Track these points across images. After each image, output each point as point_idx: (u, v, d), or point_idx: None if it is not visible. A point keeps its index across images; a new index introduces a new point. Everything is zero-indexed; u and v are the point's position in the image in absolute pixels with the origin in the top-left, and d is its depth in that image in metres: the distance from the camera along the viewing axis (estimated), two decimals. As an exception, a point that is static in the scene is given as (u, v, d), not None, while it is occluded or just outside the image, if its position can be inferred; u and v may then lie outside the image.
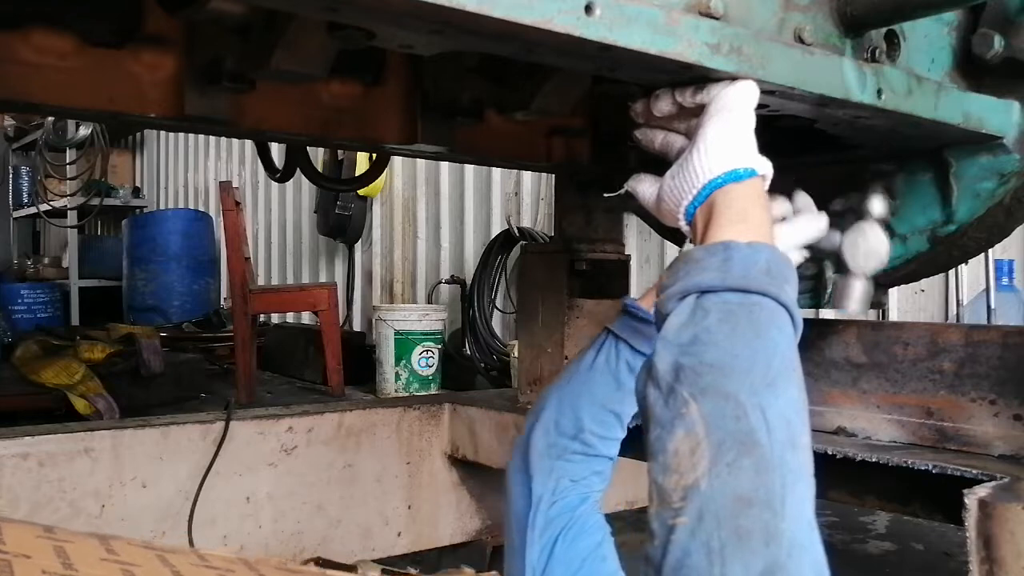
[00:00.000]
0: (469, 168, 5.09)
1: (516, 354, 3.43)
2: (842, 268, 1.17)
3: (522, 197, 4.79)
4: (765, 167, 0.88)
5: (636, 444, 2.13)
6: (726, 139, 0.87)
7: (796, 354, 0.74)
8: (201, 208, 8.26)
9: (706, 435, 0.66)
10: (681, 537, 0.64)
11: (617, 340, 1.06)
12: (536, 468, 1.03)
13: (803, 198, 1.16)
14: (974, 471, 1.43)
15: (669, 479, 0.67)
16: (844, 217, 1.20)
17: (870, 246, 1.18)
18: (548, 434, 1.05)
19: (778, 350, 0.71)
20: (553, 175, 2.44)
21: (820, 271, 1.78)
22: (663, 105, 0.99)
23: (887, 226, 1.24)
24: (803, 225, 1.13)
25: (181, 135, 8.39)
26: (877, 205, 1.16)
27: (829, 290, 1.75)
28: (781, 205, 1.13)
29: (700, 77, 1.02)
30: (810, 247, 1.16)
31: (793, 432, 0.68)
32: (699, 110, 0.96)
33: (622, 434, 1.06)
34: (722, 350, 0.70)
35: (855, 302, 1.15)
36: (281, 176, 2.11)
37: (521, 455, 1.06)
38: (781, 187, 1.87)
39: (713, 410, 0.67)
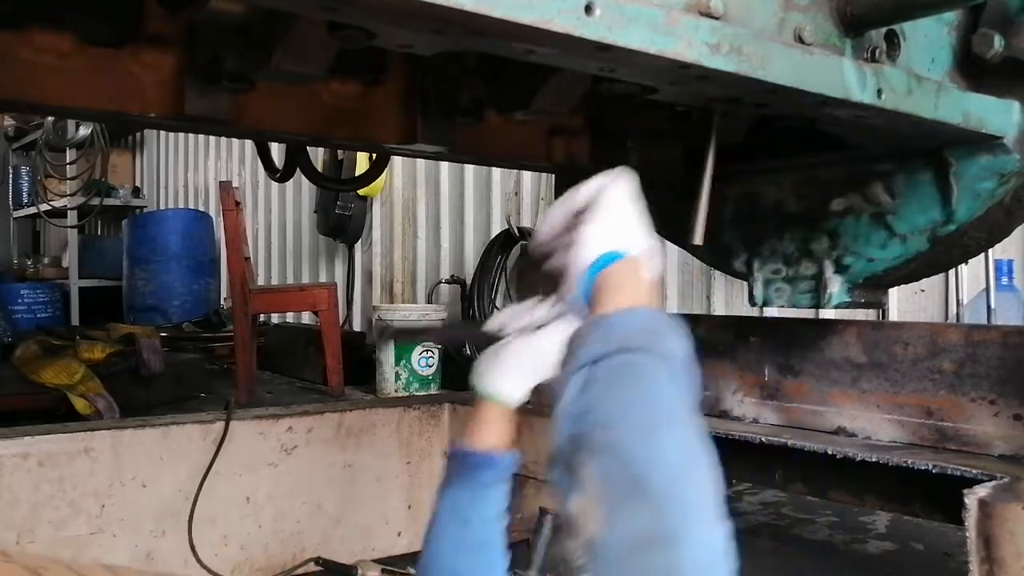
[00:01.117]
0: (469, 168, 5.09)
1: (516, 354, 3.43)
2: None
3: (522, 197, 4.79)
4: (637, 247, 0.92)
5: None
6: (598, 233, 0.92)
7: (684, 398, 0.75)
8: (201, 208, 8.26)
9: (599, 490, 0.68)
10: None
11: (449, 484, 1.05)
12: None
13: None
14: (974, 471, 1.43)
15: (574, 542, 0.68)
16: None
17: None
18: None
19: (662, 396, 0.74)
20: (553, 175, 2.44)
21: (820, 271, 1.78)
22: (556, 216, 1.00)
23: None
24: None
25: (181, 135, 8.38)
26: None
27: (829, 290, 1.76)
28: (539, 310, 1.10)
29: (700, 76, 1.02)
30: None
31: (686, 471, 0.69)
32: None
33: (495, 554, 1.04)
34: (607, 408, 0.73)
35: None
36: (281, 176, 2.11)
37: None
38: (780, 187, 1.87)
39: (602, 465, 0.69)
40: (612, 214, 0.94)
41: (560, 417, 0.76)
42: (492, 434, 1.08)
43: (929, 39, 1.44)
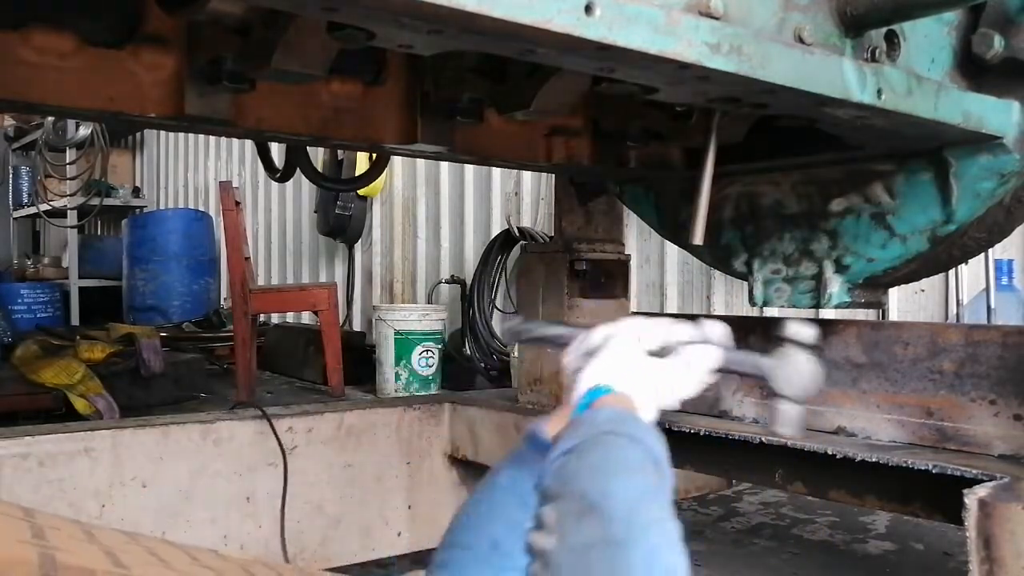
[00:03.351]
0: (469, 168, 5.09)
1: (516, 354, 3.43)
2: (776, 393, 1.14)
3: (522, 197, 4.79)
4: (627, 385, 1.00)
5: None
6: (592, 372, 1.02)
7: (650, 467, 0.81)
8: (201, 208, 8.26)
9: (555, 521, 0.74)
10: None
11: (521, 465, 1.10)
12: None
13: (710, 328, 1.14)
14: (974, 471, 1.43)
15: (533, 568, 0.73)
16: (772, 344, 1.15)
17: (797, 371, 1.14)
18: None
19: (624, 457, 0.81)
20: (553, 175, 2.44)
21: (820, 271, 1.78)
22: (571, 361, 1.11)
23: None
24: (690, 358, 1.10)
25: (181, 135, 8.38)
26: (803, 331, 1.14)
27: (829, 290, 1.76)
28: (677, 332, 1.11)
29: (700, 77, 1.02)
30: (747, 373, 1.18)
31: (641, 504, 0.74)
32: None
33: None
34: (573, 470, 0.80)
35: (787, 426, 1.14)
36: (281, 176, 2.11)
37: None
38: (779, 187, 1.87)
39: (561, 504, 0.76)
40: (610, 357, 1.05)
41: (540, 496, 0.83)
42: None
43: (929, 39, 1.44)
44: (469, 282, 4.85)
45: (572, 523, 0.72)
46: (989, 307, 2.87)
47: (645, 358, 1.08)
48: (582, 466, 0.80)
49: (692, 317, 1.23)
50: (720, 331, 1.16)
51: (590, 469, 0.79)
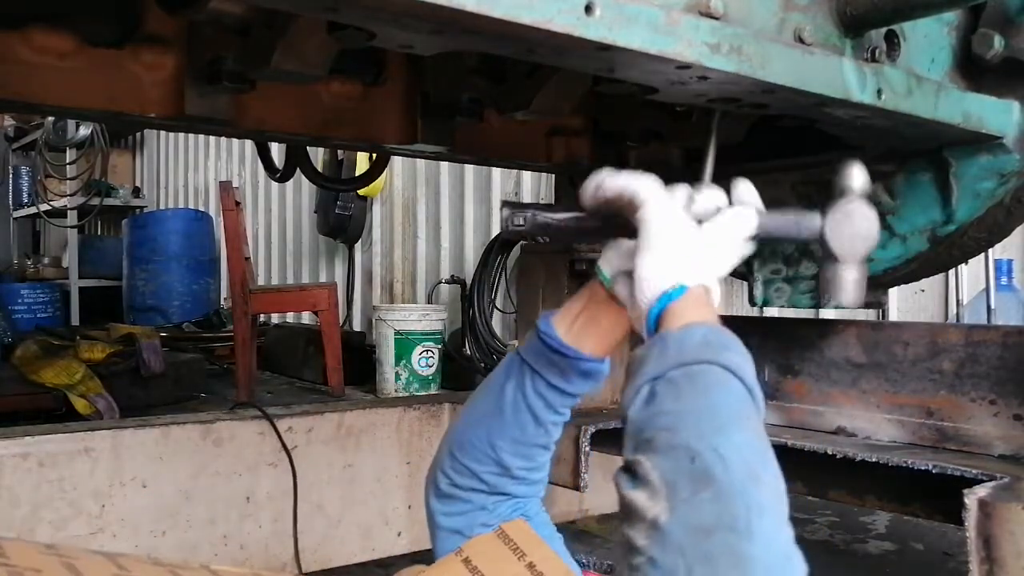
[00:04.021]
0: (469, 168, 5.09)
1: (516, 354, 3.43)
2: (829, 256, 0.99)
3: (522, 197, 4.79)
4: (696, 278, 0.88)
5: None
6: (654, 269, 0.88)
7: (750, 409, 0.75)
8: (201, 208, 8.26)
9: (662, 483, 0.67)
10: (647, 571, 0.64)
11: (533, 373, 1.01)
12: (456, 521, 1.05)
13: (743, 189, 1.00)
14: (974, 471, 1.43)
15: (633, 530, 0.67)
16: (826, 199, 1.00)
17: (856, 227, 0.97)
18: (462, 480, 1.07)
19: (724, 402, 0.74)
20: (553, 175, 2.44)
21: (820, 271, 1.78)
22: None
23: (876, 204, 1.08)
24: (726, 222, 0.96)
25: (181, 135, 8.38)
26: (857, 178, 0.97)
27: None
28: (711, 197, 0.97)
29: (700, 77, 1.02)
30: (790, 238, 1.03)
31: (753, 469, 0.68)
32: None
33: (550, 453, 1.06)
34: (670, 414, 0.73)
35: (847, 293, 0.99)
36: (281, 176, 2.12)
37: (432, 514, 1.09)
38: (779, 187, 1.87)
39: (666, 461, 0.69)
40: (663, 246, 0.89)
41: (626, 433, 0.76)
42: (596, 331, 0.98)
43: (929, 39, 1.44)
44: (469, 282, 4.85)
45: (686, 492, 0.65)
46: (989, 307, 2.88)
47: (697, 231, 0.92)
48: (682, 410, 0.72)
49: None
50: (752, 191, 1.00)
51: (694, 417, 0.71)
